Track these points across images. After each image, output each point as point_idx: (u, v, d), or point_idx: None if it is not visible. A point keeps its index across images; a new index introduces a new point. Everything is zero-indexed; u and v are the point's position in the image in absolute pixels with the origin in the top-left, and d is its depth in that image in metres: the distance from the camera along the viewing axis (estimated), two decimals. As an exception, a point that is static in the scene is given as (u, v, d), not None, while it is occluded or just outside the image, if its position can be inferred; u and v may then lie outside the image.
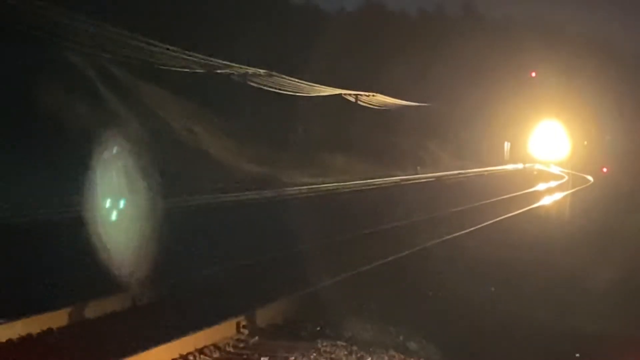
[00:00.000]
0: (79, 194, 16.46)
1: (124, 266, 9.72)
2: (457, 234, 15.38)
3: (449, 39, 60.03)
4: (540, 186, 35.30)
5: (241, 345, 7.39)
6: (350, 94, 50.80)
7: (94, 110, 27.76)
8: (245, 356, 7.07)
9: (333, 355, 7.06)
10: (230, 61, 38.29)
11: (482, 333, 7.98)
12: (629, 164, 42.53)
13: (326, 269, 10.46)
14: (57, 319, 7.86)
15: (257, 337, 7.59)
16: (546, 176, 45.42)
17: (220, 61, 37.63)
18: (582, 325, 8.17)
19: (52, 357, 7.00)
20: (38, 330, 7.57)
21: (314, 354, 7.04)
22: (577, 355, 7.33)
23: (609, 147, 50.85)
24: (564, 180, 40.13)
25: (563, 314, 8.75)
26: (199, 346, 7.07)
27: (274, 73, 40.81)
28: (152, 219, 14.08)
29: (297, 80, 42.70)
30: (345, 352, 7.13)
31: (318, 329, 7.90)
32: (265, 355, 6.99)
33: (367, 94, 52.28)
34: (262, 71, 40.37)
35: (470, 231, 16.03)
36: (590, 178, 41.33)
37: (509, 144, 67.42)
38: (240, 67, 39.23)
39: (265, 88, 40.78)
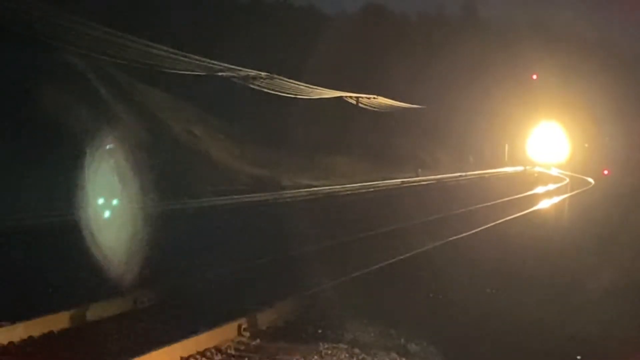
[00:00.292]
0: (79, 196, 16.46)
1: (123, 269, 9.72)
2: (459, 236, 15.37)
3: (449, 41, 60.01)
4: (542, 189, 35.27)
5: (242, 347, 7.40)
6: (351, 97, 50.78)
7: (94, 113, 27.74)
8: (246, 359, 7.07)
9: (334, 358, 7.06)
10: (232, 64, 38.29)
11: (483, 335, 7.97)
12: (630, 166, 42.48)
13: (327, 272, 10.47)
14: (58, 321, 7.86)
15: (258, 340, 7.59)
16: (547, 179, 45.40)
17: (222, 64, 37.62)
18: (583, 327, 8.16)
19: (54, 358, 7.00)
20: (39, 333, 7.58)
21: (315, 357, 7.04)
22: (579, 357, 7.33)
23: (609, 149, 50.78)
24: (565, 182, 40.11)
25: (563, 315, 8.74)
26: (201, 349, 7.07)
27: (275, 75, 40.79)
28: (151, 221, 14.10)
29: (297, 82, 42.68)
30: (347, 355, 7.13)
31: (319, 331, 7.90)
32: (267, 358, 6.99)
33: (368, 96, 52.25)
34: (263, 74, 40.34)
35: (471, 234, 16.02)
36: (591, 180, 41.32)
37: (508, 146, 67.37)
38: (242, 70, 39.22)
39: (266, 90, 40.76)
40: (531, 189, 34.44)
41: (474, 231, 16.38)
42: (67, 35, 26.44)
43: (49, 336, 7.60)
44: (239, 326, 7.70)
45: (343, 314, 8.30)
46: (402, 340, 7.64)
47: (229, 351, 7.25)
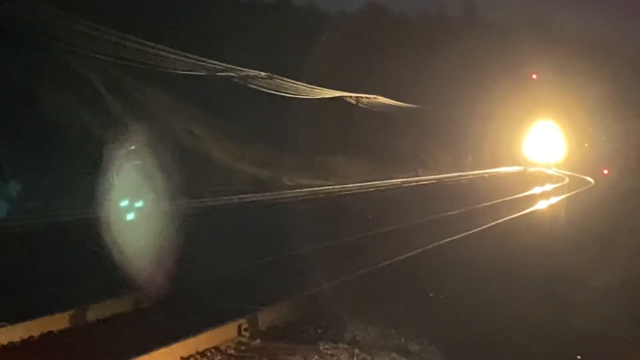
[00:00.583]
0: (78, 197, 16.47)
1: (123, 269, 9.71)
2: (459, 235, 15.37)
3: (449, 40, 60.00)
4: (542, 188, 35.27)
5: (242, 347, 7.39)
6: (351, 96, 50.77)
7: (94, 113, 27.75)
8: (246, 359, 7.06)
9: (334, 358, 7.05)
10: (231, 63, 38.28)
11: (483, 334, 7.96)
12: (629, 166, 42.44)
13: (327, 271, 10.47)
14: (57, 321, 7.86)
15: (258, 340, 7.59)
16: (547, 178, 45.39)
17: (221, 64, 37.61)
18: (584, 327, 8.15)
19: (53, 358, 7.00)
20: (39, 333, 7.58)
21: (316, 356, 7.04)
22: (579, 357, 7.32)
23: (607, 148, 50.74)
24: (565, 182, 40.11)
25: (564, 315, 8.74)
26: (201, 349, 7.07)
27: (274, 75, 40.78)
28: (151, 221, 14.08)
29: (297, 82, 42.67)
30: (347, 355, 7.12)
31: (319, 331, 7.89)
32: (267, 358, 6.99)
33: (368, 96, 52.25)
34: (263, 74, 40.34)
35: (472, 233, 16.02)
36: (590, 180, 41.31)
37: (508, 145, 67.32)
38: (241, 70, 39.22)
39: (266, 90, 40.75)
40: (531, 188, 34.44)
41: (474, 231, 16.39)
42: (66, 35, 26.45)
43: (49, 336, 7.60)
44: (239, 326, 7.70)
45: (343, 314, 8.30)
46: (403, 340, 7.63)
47: (228, 351, 7.24)
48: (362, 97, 51.90)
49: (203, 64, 36.32)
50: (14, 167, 19.95)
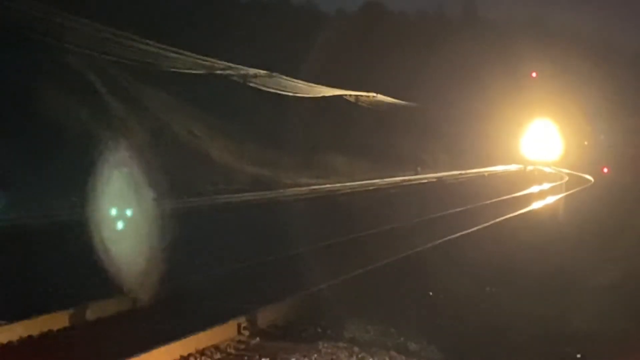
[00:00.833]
0: (78, 196, 16.44)
1: (122, 267, 9.71)
2: (459, 234, 15.37)
3: (449, 40, 60.01)
4: (542, 186, 35.28)
5: (242, 346, 7.39)
6: (350, 95, 50.78)
7: (93, 112, 27.74)
8: (246, 358, 7.06)
9: (334, 357, 7.05)
10: (231, 62, 38.29)
11: (483, 333, 7.97)
12: (628, 164, 42.45)
13: (326, 270, 10.47)
14: (57, 320, 7.86)
15: (258, 339, 7.58)
16: (546, 177, 45.40)
17: (221, 62, 37.63)
18: (582, 324, 8.15)
19: (53, 358, 7.00)
20: (38, 332, 7.57)
21: (315, 355, 7.03)
22: (579, 355, 7.32)
23: (606, 146, 50.76)
24: (565, 180, 40.12)
25: (563, 312, 8.74)
26: (200, 347, 7.06)
27: (274, 74, 40.79)
28: (150, 220, 14.07)
29: (297, 81, 42.69)
30: (347, 354, 7.12)
31: (319, 330, 7.89)
32: (266, 357, 6.98)
33: (367, 94, 52.26)
34: (262, 72, 40.36)
35: (471, 232, 16.02)
36: (590, 178, 41.33)
37: (507, 144, 67.34)
38: (241, 68, 39.23)
39: (266, 89, 40.76)
40: (531, 187, 34.45)
41: (473, 229, 16.38)
42: (65, 34, 26.45)
43: (48, 335, 7.60)
44: (239, 325, 7.69)
45: (343, 313, 8.30)
46: (402, 338, 7.63)
47: (228, 350, 7.24)
48: (361, 96, 51.91)
49: (203, 62, 36.33)
50: (4, 172, 19.95)
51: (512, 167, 60.59)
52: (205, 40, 38.87)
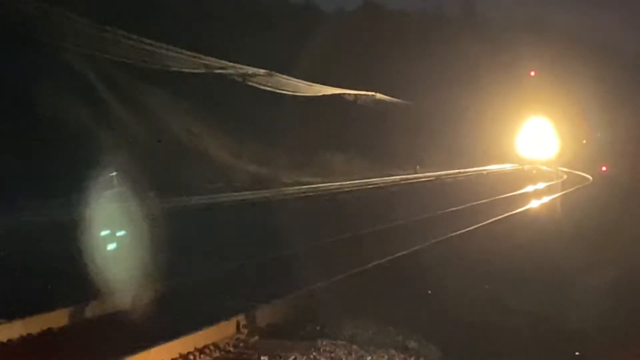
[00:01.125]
0: (77, 195, 16.42)
1: (120, 266, 9.72)
2: (458, 232, 15.38)
3: (448, 39, 60.00)
4: (542, 185, 35.28)
5: (241, 344, 7.40)
6: (349, 94, 50.77)
7: (92, 111, 27.72)
8: (245, 355, 7.08)
9: (333, 355, 7.06)
10: (229, 61, 38.29)
11: (481, 330, 7.97)
12: (627, 162, 42.41)
13: (325, 269, 10.48)
14: (57, 319, 7.87)
15: (257, 337, 7.59)
16: (545, 175, 45.38)
17: (220, 61, 37.62)
18: (582, 324, 8.16)
19: (52, 357, 7.01)
20: (38, 330, 7.58)
21: (314, 353, 7.04)
22: (577, 354, 7.33)
23: (606, 145, 50.73)
24: (563, 179, 40.12)
25: (562, 310, 8.75)
26: (199, 345, 7.08)
27: (273, 73, 40.79)
28: (150, 218, 14.09)
29: (296, 80, 42.68)
30: (345, 352, 7.13)
31: (318, 328, 7.90)
32: (265, 355, 7.00)
33: (366, 93, 52.26)
34: (261, 71, 40.37)
35: (470, 230, 16.02)
36: (589, 177, 41.33)
37: (506, 143, 67.32)
38: (240, 67, 39.23)
39: (265, 88, 40.76)
40: (530, 185, 34.45)
41: (472, 227, 16.38)
42: (63, 32, 26.43)
43: (47, 333, 7.61)
44: (238, 323, 7.71)
45: (342, 311, 8.31)
46: (401, 337, 7.64)
47: (227, 348, 7.25)
48: (360, 95, 51.90)
49: (202, 61, 36.32)
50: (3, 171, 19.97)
51: (511, 166, 60.59)
52: (204, 39, 38.84)
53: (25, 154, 22.56)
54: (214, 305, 8.56)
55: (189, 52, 35.05)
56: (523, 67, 51.65)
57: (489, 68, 59.59)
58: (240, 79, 39.70)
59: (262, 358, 6.91)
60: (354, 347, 7.24)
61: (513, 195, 27.55)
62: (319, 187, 31.53)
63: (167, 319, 8.20)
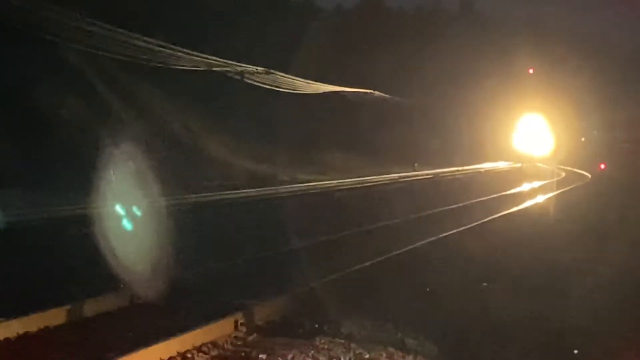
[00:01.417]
0: (75, 192, 16.44)
1: (119, 264, 9.71)
2: (456, 230, 15.37)
3: (446, 35, 60.05)
4: (540, 182, 35.28)
5: (239, 342, 7.39)
6: (347, 92, 50.76)
7: (90, 109, 27.72)
8: (243, 353, 7.06)
9: (331, 352, 7.05)
10: (228, 59, 38.25)
11: (479, 328, 7.97)
12: (624, 160, 42.41)
13: (324, 266, 10.48)
14: (54, 317, 7.86)
15: (255, 335, 7.59)
16: (544, 173, 45.38)
17: (218, 59, 37.58)
18: (579, 321, 8.16)
19: (51, 355, 6.99)
20: (36, 329, 7.57)
21: (312, 351, 7.04)
22: (575, 351, 7.33)
23: (604, 142, 50.74)
24: (562, 177, 40.13)
25: (560, 308, 8.75)
26: (197, 344, 7.07)
27: (271, 70, 40.77)
28: (147, 217, 14.08)
29: (294, 77, 42.66)
30: (343, 349, 7.13)
31: (316, 326, 7.90)
32: (263, 353, 6.99)
33: (364, 91, 52.26)
34: (260, 69, 40.34)
35: (469, 228, 16.02)
36: (587, 175, 41.34)
37: (505, 141, 67.39)
38: (238, 65, 39.20)
39: (263, 85, 40.74)
40: (529, 183, 34.46)
41: (471, 225, 16.39)
42: (61, 29, 26.38)
43: (45, 331, 7.60)
44: (236, 321, 7.70)
45: (340, 309, 8.30)
46: (399, 334, 7.64)
47: (225, 346, 7.24)
48: (358, 92, 51.90)
49: (200, 59, 36.28)
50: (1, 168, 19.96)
51: (509, 164, 60.62)
52: (202, 36, 38.82)
53: (23, 150, 22.54)
54: (211, 303, 8.55)
55: (188, 50, 35.02)
56: (522, 64, 51.68)
57: (488, 65, 59.64)
58: (238, 77, 39.68)
59: (260, 356, 6.90)
60: (352, 344, 7.24)
61: (509, 194, 27.54)
62: (316, 184, 31.53)
63: (164, 316, 8.20)
